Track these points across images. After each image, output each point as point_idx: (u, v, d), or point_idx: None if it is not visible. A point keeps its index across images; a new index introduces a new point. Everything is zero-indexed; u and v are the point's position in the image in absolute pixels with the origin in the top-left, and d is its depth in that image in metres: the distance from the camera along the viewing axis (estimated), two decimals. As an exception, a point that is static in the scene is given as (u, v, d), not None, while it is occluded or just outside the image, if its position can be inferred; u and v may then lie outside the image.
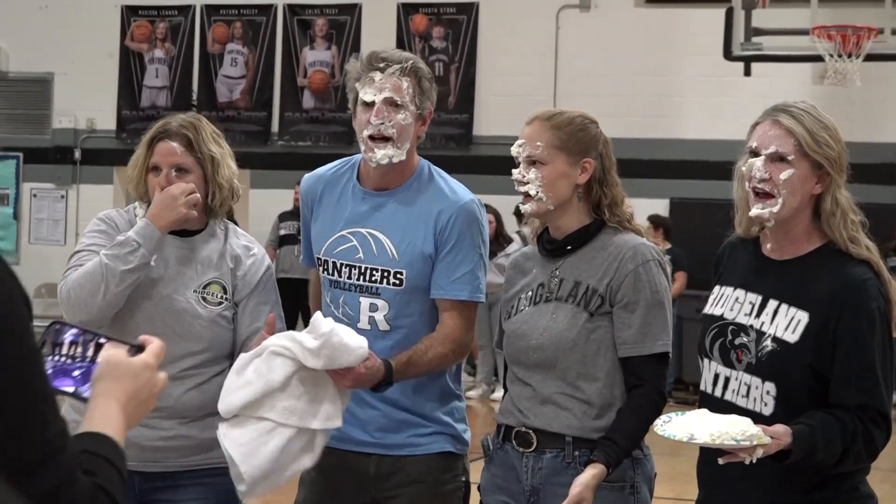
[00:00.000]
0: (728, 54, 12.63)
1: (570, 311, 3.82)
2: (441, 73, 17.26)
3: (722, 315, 3.63)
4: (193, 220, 4.09)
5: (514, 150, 3.91)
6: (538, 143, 3.86)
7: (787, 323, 3.49)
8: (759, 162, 3.53)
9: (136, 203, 4.20)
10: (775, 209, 3.51)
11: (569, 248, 3.90)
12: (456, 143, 17.10)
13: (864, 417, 3.41)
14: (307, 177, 4.33)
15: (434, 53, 17.39)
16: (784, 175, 3.49)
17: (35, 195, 19.02)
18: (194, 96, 18.68)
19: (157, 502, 4.09)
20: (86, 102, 19.04)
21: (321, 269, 4.17)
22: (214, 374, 4.09)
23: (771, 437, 3.31)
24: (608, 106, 15.16)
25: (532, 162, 3.87)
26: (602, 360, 3.81)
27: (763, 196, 3.53)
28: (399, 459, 4.10)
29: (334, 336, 3.68)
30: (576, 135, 3.88)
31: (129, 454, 3.91)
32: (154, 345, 2.29)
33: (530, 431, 3.84)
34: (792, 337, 3.48)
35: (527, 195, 3.87)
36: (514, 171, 3.89)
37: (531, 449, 3.84)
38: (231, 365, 3.99)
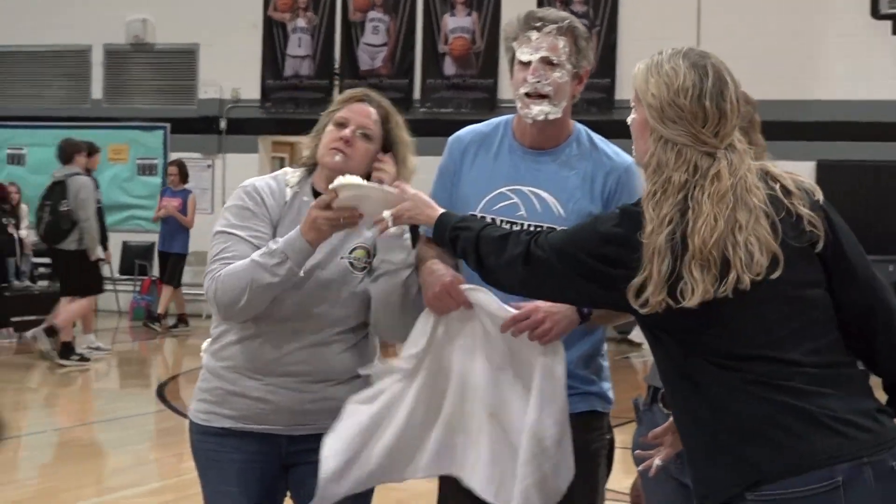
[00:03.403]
0: (875, 12, 12.41)
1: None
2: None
3: None
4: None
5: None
6: None
7: None
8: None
9: (288, 170, 4.21)
10: (634, 154, 3.37)
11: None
12: (598, 107, 17.04)
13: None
14: (461, 131, 4.33)
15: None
16: (629, 119, 3.34)
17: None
18: (336, 65, 18.83)
19: (303, 464, 4.15)
20: (230, 72, 19.30)
21: None
22: (361, 339, 4.15)
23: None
24: (752, 68, 14.98)
25: None
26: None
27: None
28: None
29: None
30: None
31: (278, 419, 4.04)
32: None
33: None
34: None
35: None
36: None
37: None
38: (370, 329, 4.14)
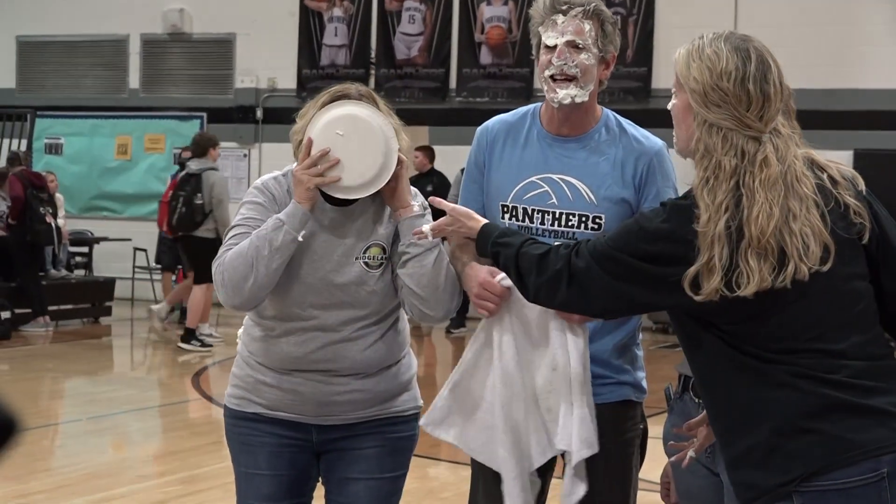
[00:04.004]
0: (913, 1, 12.32)
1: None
2: (619, 26, 17.09)
3: None
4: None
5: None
6: None
7: None
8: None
9: (295, 164, 4.18)
10: (675, 141, 3.35)
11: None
12: (634, 96, 17.00)
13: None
14: (491, 121, 4.31)
15: (612, 6, 17.25)
16: (669, 106, 3.32)
17: (219, 154, 19.40)
18: (372, 54, 18.82)
19: (335, 451, 4.17)
20: (267, 62, 19.31)
21: (507, 215, 4.16)
22: (387, 330, 4.13)
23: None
24: (789, 56, 14.86)
25: None
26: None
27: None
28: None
29: None
30: None
31: (307, 409, 4.04)
32: None
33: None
34: None
35: None
36: None
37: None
38: (398, 316, 4.16)
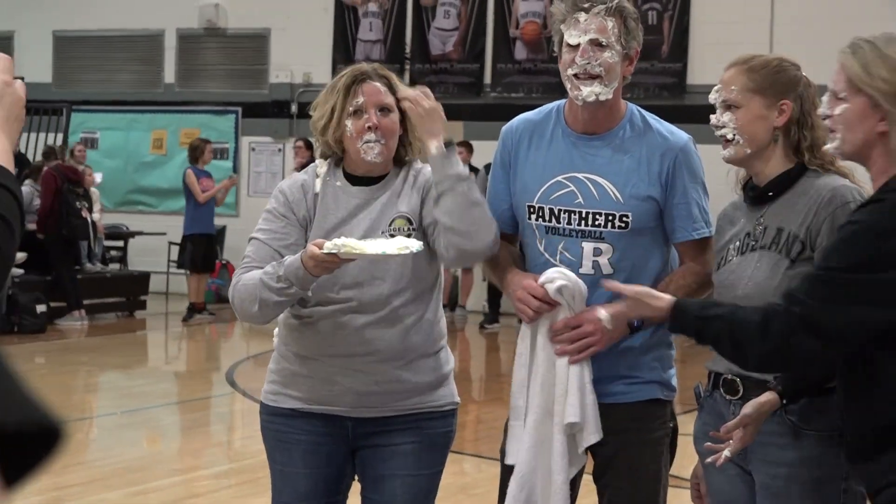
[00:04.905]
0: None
1: (772, 258, 3.76)
2: (654, 21, 17.10)
3: None
4: (389, 160, 4.13)
5: (711, 97, 3.87)
6: (733, 88, 3.82)
7: None
8: (824, 98, 3.43)
9: (318, 162, 4.21)
10: (835, 144, 3.38)
11: (770, 194, 3.84)
12: (669, 91, 16.95)
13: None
14: (515, 120, 4.31)
15: (648, 2, 17.22)
16: (837, 110, 3.35)
17: (253, 149, 19.43)
18: (407, 49, 18.81)
19: (371, 447, 4.17)
20: (302, 57, 19.32)
21: (533, 216, 4.16)
22: (423, 313, 4.13)
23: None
24: (824, 52, 14.78)
25: (728, 106, 3.83)
26: (805, 307, 3.74)
27: (830, 132, 3.42)
28: (608, 407, 4.10)
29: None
30: (771, 77, 3.82)
31: (344, 401, 4.04)
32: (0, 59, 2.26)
33: (737, 379, 3.80)
34: None
35: (725, 140, 3.83)
36: (712, 117, 3.85)
37: (737, 396, 3.80)
38: (435, 300, 4.16)
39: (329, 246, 3.78)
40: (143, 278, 17.66)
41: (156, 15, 20.14)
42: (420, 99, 3.99)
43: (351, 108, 4.08)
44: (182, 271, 17.50)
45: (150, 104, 20.32)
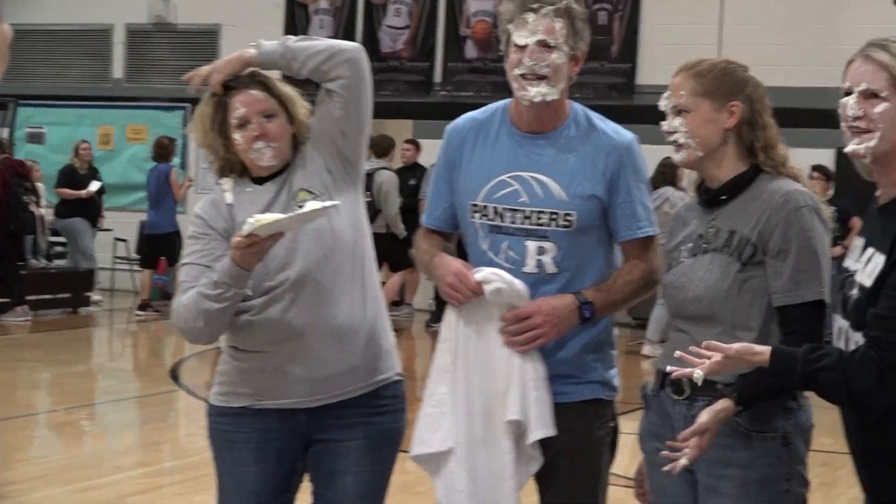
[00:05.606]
0: (897, 0, 12.34)
1: (724, 261, 3.77)
2: (604, 22, 17.15)
3: (847, 266, 3.52)
4: (285, 156, 4.13)
5: (661, 104, 3.88)
6: (682, 93, 3.83)
7: (869, 268, 3.36)
8: (851, 100, 3.39)
9: (221, 181, 4.19)
10: (871, 143, 3.34)
11: (724, 197, 3.84)
12: (618, 91, 16.99)
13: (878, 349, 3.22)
14: (460, 119, 4.30)
15: (598, 2, 17.26)
16: (878, 109, 3.33)
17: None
18: (358, 47, 18.76)
19: (323, 442, 4.14)
20: (252, 53, 19.21)
21: (477, 215, 4.15)
22: (356, 286, 4.10)
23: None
24: (772, 54, 14.89)
25: (678, 111, 3.83)
26: (756, 310, 3.74)
27: (859, 132, 3.40)
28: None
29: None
30: (719, 79, 3.83)
31: (297, 390, 4.03)
32: None
33: (684, 378, 3.80)
34: (868, 281, 3.33)
35: (677, 144, 3.84)
36: (663, 124, 3.86)
37: (684, 396, 3.80)
38: (365, 271, 4.15)
39: (245, 228, 3.77)
40: (87, 274, 17.54)
41: (104, 9, 20.02)
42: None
43: (234, 122, 4.08)
44: (127, 267, 17.38)
45: (98, 99, 20.19)
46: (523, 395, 3.99)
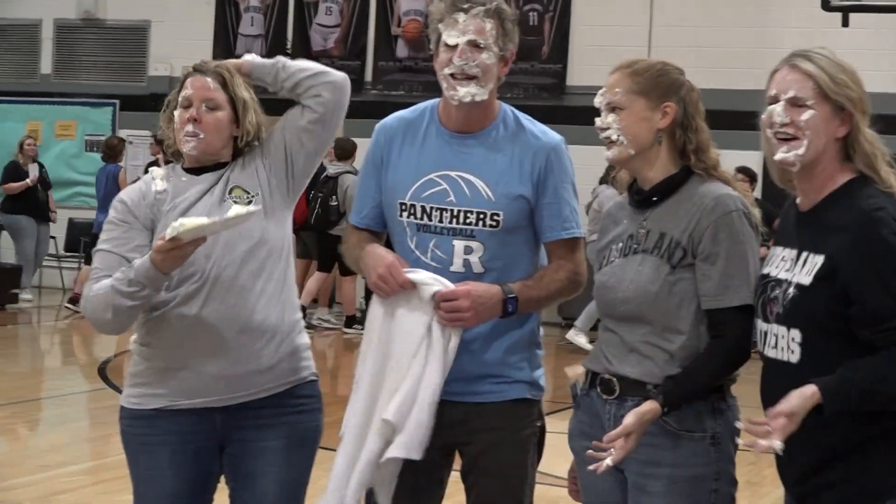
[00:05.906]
0: (826, 4, 12.45)
1: (654, 262, 3.79)
2: (535, 23, 17.20)
3: (768, 273, 3.59)
4: (212, 152, 4.14)
5: (596, 101, 3.90)
6: (617, 90, 3.86)
7: (807, 268, 3.43)
8: (778, 107, 3.47)
9: (153, 170, 4.21)
10: (800, 151, 3.44)
11: (655, 198, 3.87)
12: (549, 92, 17.05)
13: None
14: (388, 118, 4.31)
15: (529, 3, 17.31)
16: (805, 116, 3.43)
17: (131, 142, 19.18)
18: (289, 45, 18.73)
19: (239, 442, 4.13)
20: (182, 50, 19.11)
21: (405, 214, 4.15)
22: (273, 284, 4.09)
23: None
24: (703, 57, 15.00)
25: (612, 108, 3.86)
26: (685, 312, 3.77)
27: (786, 140, 3.47)
28: (476, 406, 4.11)
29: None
30: (654, 79, 3.86)
31: (214, 388, 4.00)
32: None
33: (613, 379, 3.82)
34: (807, 279, 3.41)
35: (609, 141, 3.86)
36: (597, 120, 3.88)
37: (614, 396, 3.82)
38: (283, 270, 4.12)
39: (168, 231, 3.77)
40: (14, 271, 17.38)
41: (32, 4, 19.85)
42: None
43: (180, 100, 4.13)
44: (55, 265, 17.24)
45: (25, 95, 20.01)
46: (407, 404, 3.96)
